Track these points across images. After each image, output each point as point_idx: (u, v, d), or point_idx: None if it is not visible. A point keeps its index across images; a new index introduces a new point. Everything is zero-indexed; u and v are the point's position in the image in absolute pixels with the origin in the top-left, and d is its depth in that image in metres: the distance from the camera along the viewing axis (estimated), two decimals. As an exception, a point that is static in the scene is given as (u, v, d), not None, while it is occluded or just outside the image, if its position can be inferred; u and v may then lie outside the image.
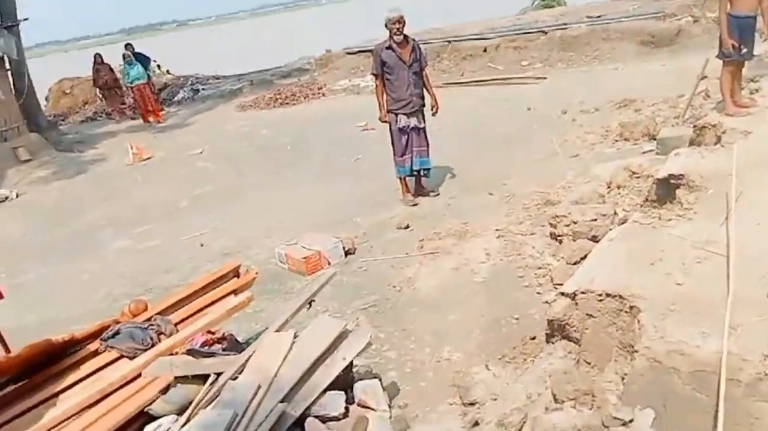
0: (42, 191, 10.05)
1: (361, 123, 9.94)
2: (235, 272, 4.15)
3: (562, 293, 3.27)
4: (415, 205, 6.58)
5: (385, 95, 6.39)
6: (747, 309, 2.70)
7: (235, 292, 3.93)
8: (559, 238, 4.91)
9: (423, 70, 6.43)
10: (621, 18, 13.33)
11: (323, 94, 14.18)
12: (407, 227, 6.03)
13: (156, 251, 6.73)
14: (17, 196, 9.88)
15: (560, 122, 8.65)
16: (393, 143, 6.51)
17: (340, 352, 3.15)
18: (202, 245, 6.55)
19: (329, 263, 5.45)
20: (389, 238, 5.90)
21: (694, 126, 5.55)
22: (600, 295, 3.11)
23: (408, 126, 6.38)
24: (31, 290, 6.24)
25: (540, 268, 4.70)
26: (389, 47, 6.21)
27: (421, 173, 6.66)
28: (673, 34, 12.07)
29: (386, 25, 6.17)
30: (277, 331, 3.39)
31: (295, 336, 3.22)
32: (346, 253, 5.61)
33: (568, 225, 4.84)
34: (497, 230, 5.49)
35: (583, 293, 3.17)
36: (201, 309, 3.83)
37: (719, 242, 3.28)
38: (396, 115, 6.37)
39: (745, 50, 5.50)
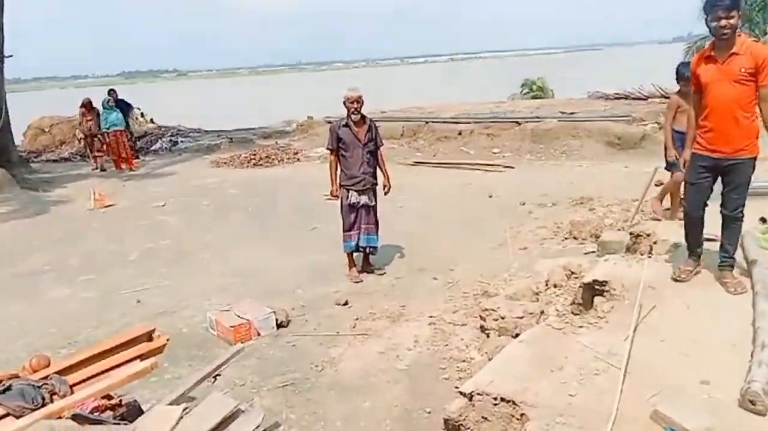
0: (-5, 227, 9.93)
1: (326, 192, 10.03)
2: (148, 336, 4.08)
3: (461, 393, 3.25)
4: (359, 281, 6.57)
5: (338, 171, 6.51)
6: (628, 429, 2.70)
7: (142, 357, 3.84)
8: (486, 332, 4.92)
9: (378, 150, 6.58)
10: (592, 117, 13.88)
11: (298, 159, 14.43)
12: (346, 303, 6.00)
13: (92, 303, 6.59)
14: (-31, 230, 9.73)
15: (517, 212, 8.82)
16: (342, 218, 6.58)
17: (228, 433, 3.07)
18: (138, 302, 6.44)
19: (258, 334, 5.37)
20: (326, 313, 5.86)
21: (630, 233, 5.68)
22: (495, 399, 3.10)
23: (358, 203, 6.47)
24: (-46, 331, 6.04)
25: (463, 361, 4.68)
26: (346, 125, 6.37)
27: (368, 250, 6.69)
28: (639, 138, 12.54)
29: (344, 104, 6.35)
30: (171, 403, 3.31)
31: (185, 410, 3.14)
32: (279, 325, 5.54)
33: (496, 320, 4.86)
34: (431, 317, 5.50)
35: (479, 394, 3.15)
36: (103, 372, 3.72)
37: (621, 355, 3.31)
38: (347, 191, 6.47)
39: None
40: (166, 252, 8.12)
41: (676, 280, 4.28)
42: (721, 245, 4.22)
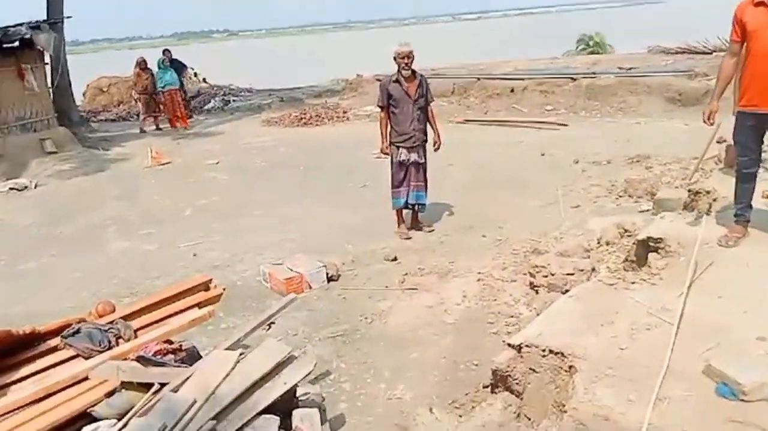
0: (60, 184, 10.36)
1: (376, 150, 10.04)
2: (206, 286, 4.24)
3: (509, 345, 3.27)
4: (408, 238, 6.61)
5: (388, 128, 6.49)
6: (679, 382, 2.68)
7: (199, 305, 4.01)
8: (536, 288, 4.90)
9: (428, 106, 6.52)
10: (651, 72, 13.34)
11: (347, 118, 14.43)
12: (395, 259, 6.06)
13: (151, 255, 6.87)
14: (36, 186, 10.20)
15: (570, 170, 8.64)
16: (391, 175, 6.59)
17: (282, 377, 3.19)
18: (195, 255, 6.66)
19: (310, 287, 5.51)
20: (375, 269, 5.94)
21: (689, 190, 5.51)
22: (544, 350, 3.11)
23: (408, 160, 6.45)
24: (25, 281, 6.41)
25: (512, 316, 4.69)
26: (396, 81, 6.32)
27: (417, 207, 6.71)
28: (701, 94, 11.96)
29: (395, 59, 6.28)
30: (227, 349, 3.45)
31: (242, 355, 3.28)
32: (329, 279, 5.66)
33: (545, 276, 4.83)
34: (480, 272, 5.51)
35: (528, 346, 3.17)
36: (164, 318, 3.90)
37: (674, 311, 3.26)
38: (398, 148, 6.46)
39: None
40: (220, 208, 8.34)
41: (722, 246, 4.10)
42: None
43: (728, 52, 4.17)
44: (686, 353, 2.87)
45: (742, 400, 2.49)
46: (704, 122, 4.38)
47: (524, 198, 7.60)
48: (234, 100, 18.10)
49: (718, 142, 7.42)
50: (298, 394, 3.43)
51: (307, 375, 3.29)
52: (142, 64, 14.50)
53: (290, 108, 15.83)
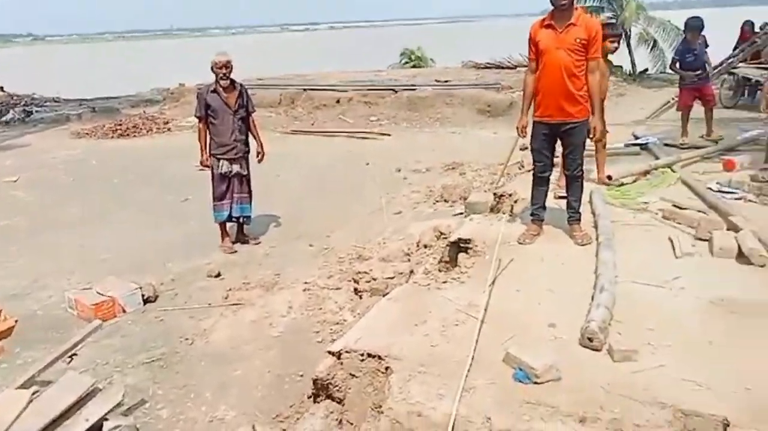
0: None
1: (197, 162, 9.66)
2: (-7, 319, 3.76)
3: (329, 352, 3.29)
4: (233, 252, 6.42)
5: (208, 139, 6.27)
6: (483, 373, 2.87)
7: (-14, 341, 3.54)
8: (360, 294, 5.01)
9: (250, 116, 6.40)
10: (464, 85, 14.35)
11: (169, 129, 13.78)
12: (219, 275, 5.85)
13: (-70, 288, 5.96)
14: None
15: (393, 179, 8.99)
16: (213, 188, 6.37)
17: (84, 412, 2.91)
18: (-15, 285, 5.91)
19: (124, 311, 5.12)
20: (198, 286, 5.69)
21: (494, 194, 5.97)
22: (362, 355, 3.17)
23: (230, 172, 6.28)
24: None
25: (337, 323, 4.74)
26: (214, 91, 6.13)
27: (242, 220, 6.55)
28: (507, 105, 13.13)
29: (212, 69, 6.10)
30: (20, 387, 3.08)
31: (35, 394, 2.94)
32: (146, 300, 5.30)
33: (368, 282, 4.96)
34: (306, 283, 5.50)
35: (347, 352, 3.21)
36: (-61, 360, 3.39)
37: (480, 306, 3.50)
38: (218, 159, 6.26)
39: None
40: (20, 230, 7.49)
41: (521, 244, 4.50)
42: (568, 203, 4.55)
43: (528, 69, 4.59)
44: (490, 344, 3.08)
45: (536, 383, 2.72)
46: (518, 135, 4.74)
47: (351, 207, 7.76)
48: (37, 111, 16.42)
49: (520, 149, 8.17)
50: (106, 428, 3.16)
51: (114, 407, 3.04)
52: None
53: (104, 119, 14.73)
